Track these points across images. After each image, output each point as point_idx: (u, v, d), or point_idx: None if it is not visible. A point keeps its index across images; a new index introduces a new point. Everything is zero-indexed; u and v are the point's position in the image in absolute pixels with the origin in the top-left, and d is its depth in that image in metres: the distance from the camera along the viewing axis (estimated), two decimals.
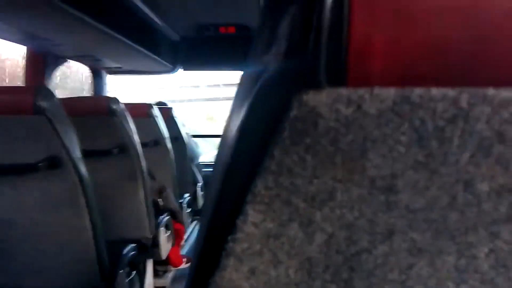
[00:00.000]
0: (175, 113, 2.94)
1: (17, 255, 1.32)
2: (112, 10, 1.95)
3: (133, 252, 1.73)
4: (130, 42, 2.11)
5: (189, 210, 2.98)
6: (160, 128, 2.39)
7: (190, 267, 0.28)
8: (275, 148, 0.22)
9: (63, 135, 1.19)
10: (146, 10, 2.29)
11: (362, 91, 0.20)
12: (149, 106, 2.32)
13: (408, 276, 0.24)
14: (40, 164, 1.18)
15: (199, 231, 0.29)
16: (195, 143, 3.47)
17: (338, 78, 0.20)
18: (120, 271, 1.58)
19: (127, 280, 1.67)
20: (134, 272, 1.76)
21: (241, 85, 0.27)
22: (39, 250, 1.33)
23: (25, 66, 2.27)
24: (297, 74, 0.20)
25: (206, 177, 3.60)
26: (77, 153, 1.25)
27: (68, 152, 1.21)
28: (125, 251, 1.68)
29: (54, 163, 1.20)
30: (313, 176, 0.22)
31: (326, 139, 0.21)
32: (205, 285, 0.25)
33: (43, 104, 1.13)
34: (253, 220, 0.23)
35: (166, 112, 2.79)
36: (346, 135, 0.21)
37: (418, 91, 0.20)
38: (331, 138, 0.21)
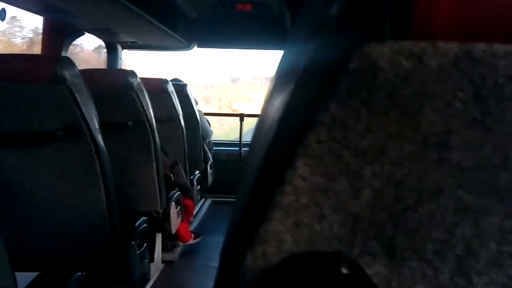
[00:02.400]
0: (189, 90, 2.94)
1: (33, 223, 1.34)
2: None
3: (144, 225, 1.76)
4: (147, 16, 2.10)
5: (198, 187, 3.01)
6: (175, 104, 2.39)
7: (232, 220, 0.29)
8: (330, 101, 0.22)
9: (82, 105, 1.20)
10: None
11: (424, 44, 0.20)
12: (165, 81, 2.33)
13: (452, 235, 0.25)
14: (58, 133, 1.20)
15: (242, 185, 0.29)
16: (207, 121, 3.48)
17: (402, 31, 0.20)
18: (132, 243, 1.61)
19: (138, 252, 1.70)
20: (145, 244, 1.79)
21: (287, 55, 0.27)
22: (54, 218, 1.35)
23: (42, 38, 2.27)
24: (360, 25, 0.20)
25: (216, 156, 3.61)
26: (95, 123, 1.26)
27: (86, 122, 1.22)
28: (137, 223, 1.70)
29: (73, 132, 1.21)
30: (366, 130, 0.22)
31: (383, 93, 0.21)
32: (250, 237, 0.25)
33: (64, 73, 1.14)
34: (301, 174, 0.24)
35: (180, 89, 2.79)
36: (404, 88, 0.21)
37: (480, 46, 0.20)
38: (388, 92, 0.21)
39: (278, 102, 0.25)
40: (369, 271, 0.26)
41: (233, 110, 12.78)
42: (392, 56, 0.20)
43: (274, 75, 0.30)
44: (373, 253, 0.26)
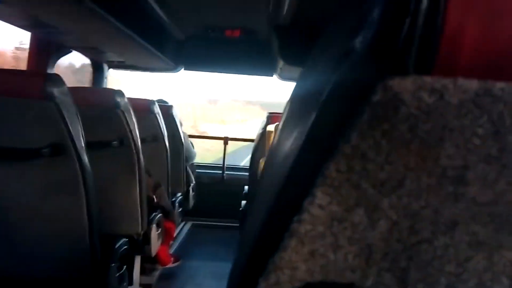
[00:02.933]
0: (175, 111, 2.93)
1: (13, 241, 1.30)
2: (120, 3, 1.94)
3: (125, 247, 1.72)
4: (135, 36, 2.11)
5: (180, 209, 2.97)
6: (160, 125, 2.38)
7: (245, 246, 0.29)
8: (352, 132, 0.22)
9: (69, 123, 1.18)
10: (154, 6, 2.29)
11: (446, 81, 0.21)
12: (151, 102, 2.32)
13: (465, 269, 0.25)
14: (44, 150, 1.17)
15: (254, 212, 0.29)
16: (191, 143, 3.46)
17: (425, 66, 0.21)
18: (112, 265, 1.57)
19: (117, 275, 1.65)
20: (125, 267, 1.75)
21: (307, 80, 0.28)
22: (33, 238, 1.31)
23: (28, 53, 2.25)
24: (385, 59, 0.21)
25: (198, 178, 3.58)
26: (81, 142, 1.24)
27: (72, 140, 1.20)
28: (117, 245, 1.66)
29: (58, 150, 1.19)
30: (386, 162, 0.23)
31: (404, 126, 0.22)
32: (263, 264, 0.25)
33: (53, 90, 1.13)
34: (320, 203, 0.24)
35: (166, 110, 2.78)
36: (425, 123, 0.21)
37: (500, 84, 0.21)
38: (409, 125, 0.22)
39: (297, 131, 0.25)
40: None
41: (199, 132, 12.76)
42: (415, 91, 0.21)
43: (288, 104, 0.31)
44: (387, 284, 0.26)
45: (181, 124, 3.08)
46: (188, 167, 3.17)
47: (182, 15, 2.50)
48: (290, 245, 0.24)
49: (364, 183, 0.23)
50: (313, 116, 0.23)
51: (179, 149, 2.94)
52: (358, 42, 0.22)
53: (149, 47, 2.37)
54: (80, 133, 1.25)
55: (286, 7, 1.82)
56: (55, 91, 1.13)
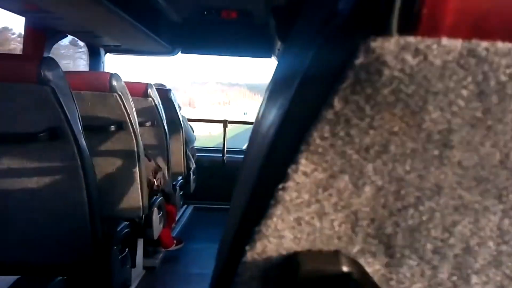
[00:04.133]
0: (173, 95, 2.92)
1: (13, 226, 1.31)
2: None
3: (126, 230, 1.73)
4: (131, 20, 2.09)
5: (181, 193, 2.99)
6: (158, 109, 2.38)
7: (233, 217, 0.29)
8: (334, 97, 0.22)
9: (65, 107, 1.18)
10: None
11: (430, 41, 0.20)
12: (148, 86, 2.31)
13: (451, 234, 0.25)
14: (41, 134, 1.17)
15: (241, 182, 0.29)
16: (191, 127, 3.46)
17: (408, 26, 0.20)
18: (114, 248, 1.58)
19: (119, 257, 1.67)
20: (127, 249, 1.77)
21: (300, 30, 0.27)
22: (35, 222, 1.32)
23: (23, 39, 2.23)
24: (367, 20, 0.20)
25: (199, 162, 3.59)
26: (78, 126, 1.24)
27: (69, 124, 1.20)
28: (119, 228, 1.68)
29: (55, 134, 1.19)
30: (370, 127, 0.22)
31: (388, 89, 0.21)
32: (250, 233, 0.25)
33: (48, 74, 1.12)
34: (304, 170, 0.23)
35: (164, 93, 2.77)
36: (409, 86, 0.21)
37: (484, 44, 0.20)
38: (393, 88, 0.21)
39: (281, 100, 0.25)
40: (368, 269, 0.26)
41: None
42: (398, 52, 0.20)
43: (272, 76, 0.30)
44: (373, 251, 0.26)
45: (180, 108, 3.07)
46: (188, 151, 3.18)
47: None
48: (275, 213, 0.24)
49: (349, 149, 0.23)
50: (295, 84, 0.23)
51: (178, 132, 2.95)
52: (340, 5, 0.22)
53: (146, 30, 2.35)
54: (77, 117, 1.25)
55: None
56: (50, 75, 1.13)
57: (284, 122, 0.24)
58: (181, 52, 3.14)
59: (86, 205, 1.33)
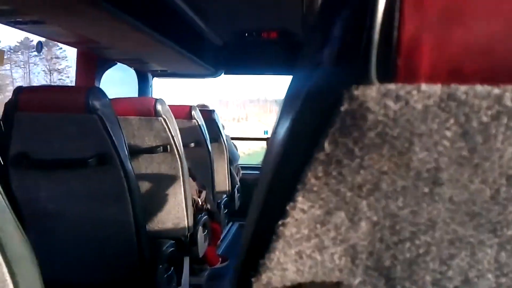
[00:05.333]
0: (216, 115, 3.00)
1: (63, 248, 1.39)
2: (159, 15, 2.02)
3: (172, 249, 1.78)
4: (176, 46, 2.18)
5: (225, 211, 3.03)
6: (202, 130, 2.45)
7: (241, 248, 0.31)
8: (325, 141, 0.23)
9: (112, 134, 1.25)
10: (192, 14, 2.36)
11: (410, 87, 0.22)
12: (192, 108, 2.39)
13: (449, 266, 0.25)
14: (90, 160, 1.25)
15: (249, 216, 0.31)
16: (234, 145, 3.52)
17: (388, 75, 0.22)
18: (160, 266, 1.64)
19: (165, 276, 1.72)
20: (172, 268, 1.81)
21: (292, 84, 0.29)
22: (84, 243, 1.40)
23: (76, 69, 2.39)
24: (349, 71, 0.22)
25: (243, 179, 3.64)
26: (125, 150, 1.31)
27: (116, 150, 1.27)
28: (164, 247, 1.73)
29: (104, 159, 1.27)
30: (360, 167, 0.24)
31: (373, 132, 0.23)
32: (255, 265, 0.27)
33: (95, 103, 1.20)
34: (301, 207, 0.25)
35: (208, 114, 2.85)
36: (393, 129, 0.22)
37: (463, 88, 0.21)
38: (378, 132, 0.23)
39: (280, 137, 0.27)
40: None
41: None
42: (380, 99, 0.22)
43: (280, 105, 0.32)
44: (374, 283, 0.27)
45: (223, 127, 3.14)
46: (232, 169, 3.23)
47: (219, 21, 2.56)
48: (277, 247, 0.26)
49: (342, 187, 0.24)
50: (289, 125, 0.25)
51: (222, 152, 3.01)
52: (325, 55, 0.23)
53: (190, 55, 2.45)
54: (123, 142, 1.32)
55: (319, 5, 1.82)
56: (97, 104, 1.20)
57: (281, 161, 0.26)
58: (224, 73, 3.23)
59: (133, 226, 1.39)
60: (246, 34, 2.76)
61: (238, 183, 3.42)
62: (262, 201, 0.27)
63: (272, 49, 2.95)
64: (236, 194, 3.34)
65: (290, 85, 0.31)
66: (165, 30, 2.01)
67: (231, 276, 0.32)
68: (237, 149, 3.53)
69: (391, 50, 0.21)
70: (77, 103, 1.19)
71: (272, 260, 0.27)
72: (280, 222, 0.26)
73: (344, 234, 0.26)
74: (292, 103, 0.26)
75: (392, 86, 0.22)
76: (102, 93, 1.24)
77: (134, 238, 1.41)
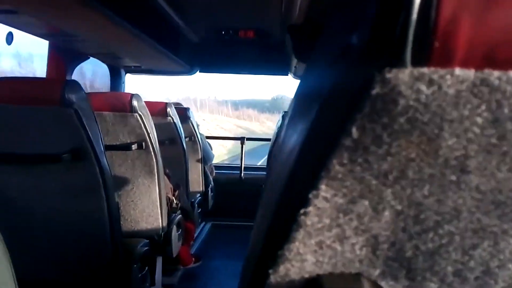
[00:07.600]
0: (191, 113, 2.96)
1: (35, 244, 1.34)
2: (135, 8, 1.98)
3: (146, 248, 1.75)
4: (151, 41, 2.14)
5: (199, 210, 3.00)
6: (177, 128, 2.41)
7: (256, 240, 0.29)
8: (352, 126, 0.23)
9: (88, 128, 1.21)
10: (168, 10, 2.32)
11: (443, 71, 0.21)
12: (168, 105, 2.35)
13: (471, 256, 0.25)
14: (64, 155, 1.21)
15: (264, 206, 0.30)
16: (209, 144, 3.49)
17: (422, 58, 0.21)
18: (134, 266, 1.60)
19: (139, 275, 1.68)
20: (146, 268, 1.78)
21: (312, 72, 0.28)
22: (56, 240, 1.35)
23: (47, 62, 2.30)
24: (382, 53, 0.21)
25: (216, 179, 3.62)
26: (100, 146, 1.27)
27: (92, 145, 1.23)
28: (138, 246, 1.69)
29: (78, 155, 1.22)
30: (388, 154, 0.23)
31: (404, 118, 0.22)
32: (273, 257, 0.26)
33: (72, 96, 1.16)
34: (324, 195, 0.24)
35: (182, 112, 2.82)
36: (424, 114, 0.22)
37: (497, 73, 0.21)
38: (409, 117, 0.22)
39: (301, 126, 0.26)
40: None
41: None
42: (412, 83, 0.21)
43: (294, 100, 0.31)
44: (394, 274, 0.26)
45: (198, 126, 3.11)
46: (206, 168, 3.20)
47: (196, 18, 2.53)
48: (297, 237, 0.25)
49: (367, 175, 0.24)
50: (314, 112, 0.24)
51: (196, 150, 2.98)
52: (355, 38, 0.23)
53: (165, 51, 2.41)
54: (99, 137, 1.29)
55: (298, 6, 1.83)
56: (73, 97, 1.16)
57: (304, 149, 0.25)
58: (199, 72, 3.20)
59: (107, 223, 1.35)
60: (223, 32, 2.74)
61: (212, 182, 3.39)
62: (281, 191, 0.26)
63: (248, 48, 2.95)
64: (210, 194, 3.31)
65: (303, 84, 0.31)
66: (141, 24, 1.96)
67: (242, 271, 0.31)
68: (211, 148, 3.51)
69: (428, 31, 0.21)
70: (52, 95, 1.14)
71: (292, 250, 0.26)
72: (301, 211, 0.25)
73: (366, 224, 0.25)
74: (314, 97, 0.26)
75: (425, 70, 0.21)
76: (78, 86, 1.19)
77: (108, 236, 1.37)
